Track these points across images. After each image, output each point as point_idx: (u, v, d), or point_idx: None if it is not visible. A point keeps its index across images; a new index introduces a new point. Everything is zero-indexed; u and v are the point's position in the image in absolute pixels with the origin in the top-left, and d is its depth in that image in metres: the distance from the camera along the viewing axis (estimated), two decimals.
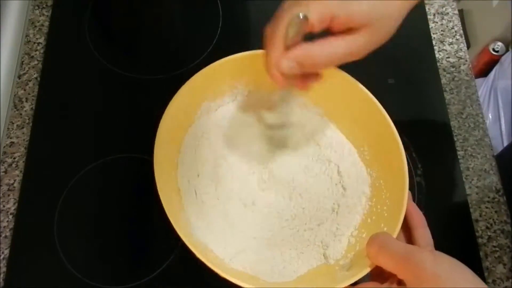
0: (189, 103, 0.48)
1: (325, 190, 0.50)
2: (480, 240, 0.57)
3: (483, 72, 1.38)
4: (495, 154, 0.62)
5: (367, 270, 0.38)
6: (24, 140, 0.60)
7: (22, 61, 0.64)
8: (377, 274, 0.38)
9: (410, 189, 0.46)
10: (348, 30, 0.37)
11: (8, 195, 0.57)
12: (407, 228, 0.42)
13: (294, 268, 0.45)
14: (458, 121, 0.63)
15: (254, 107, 0.52)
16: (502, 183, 0.60)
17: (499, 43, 1.37)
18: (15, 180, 0.58)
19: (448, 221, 0.58)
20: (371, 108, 0.48)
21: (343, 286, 0.37)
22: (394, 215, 0.42)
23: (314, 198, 0.50)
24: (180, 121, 0.48)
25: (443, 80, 0.66)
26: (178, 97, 0.46)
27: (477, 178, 0.60)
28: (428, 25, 0.70)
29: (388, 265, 0.35)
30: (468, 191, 0.59)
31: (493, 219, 0.58)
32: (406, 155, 0.46)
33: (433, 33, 0.69)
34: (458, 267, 0.33)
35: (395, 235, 0.40)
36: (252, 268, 0.44)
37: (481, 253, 0.56)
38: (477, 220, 0.58)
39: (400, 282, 0.35)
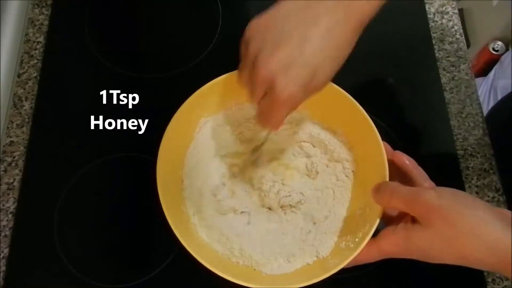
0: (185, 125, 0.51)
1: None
2: None
3: (483, 71, 1.38)
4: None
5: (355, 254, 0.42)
6: (23, 139, 0.60)
7: (22, 60, 0.64)
8: (388, 219, 0.44)
9: None
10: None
11: (8, 194, 0.57)
12: (404, 178, 0.45)
13: (292, 265, 0.48)
14: (458, 121, 0.63)
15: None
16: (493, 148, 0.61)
17: (499, 42, 1.37)
18: (14, 179, 0.58)
19: None
20: (339, 96, 0.50)
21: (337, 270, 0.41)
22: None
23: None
24: (178, 143, 0.51)
25: (443, 80, 0.66)
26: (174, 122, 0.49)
27: (476, 178, 0.60)
28: (428, 24, 0.70)
29: (401, 206, 0.40)
30: (468, 191, 0.59)
31: None
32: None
33: (433, 32, 0.69)
34: (459, 195, 0.38)
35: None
36: (256, 266, 0.48)
37: None
38: None
39: (412, 219, 0.40)
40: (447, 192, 0.38)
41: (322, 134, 0.53)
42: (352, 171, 0.51)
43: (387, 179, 0.45)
